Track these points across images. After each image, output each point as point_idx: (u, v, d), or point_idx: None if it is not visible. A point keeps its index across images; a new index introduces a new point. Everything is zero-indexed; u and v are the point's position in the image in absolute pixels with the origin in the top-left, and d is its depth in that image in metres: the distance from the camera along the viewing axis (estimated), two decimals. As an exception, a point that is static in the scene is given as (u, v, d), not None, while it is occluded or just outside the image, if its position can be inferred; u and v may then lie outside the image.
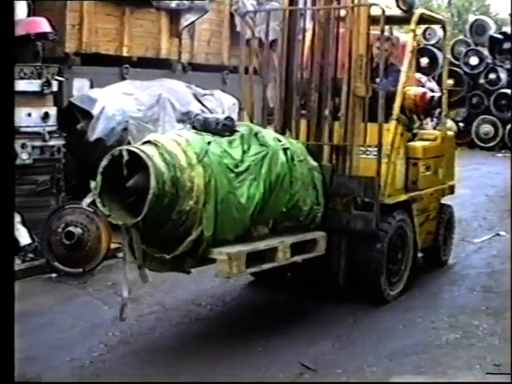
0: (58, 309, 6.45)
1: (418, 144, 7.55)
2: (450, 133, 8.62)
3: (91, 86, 10.13)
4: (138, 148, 5.28)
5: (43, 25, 9.38)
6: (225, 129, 5.82)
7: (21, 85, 8.32)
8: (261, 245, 5.81)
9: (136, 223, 5.23)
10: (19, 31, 9.05)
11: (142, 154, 5.20)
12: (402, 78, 7.10)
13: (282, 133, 6.76)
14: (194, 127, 5.90)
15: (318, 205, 6.46)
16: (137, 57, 11.03)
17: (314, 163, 6.46)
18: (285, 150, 6.11)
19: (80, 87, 10.04)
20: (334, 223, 6.60)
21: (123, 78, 10.59)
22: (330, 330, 6.08)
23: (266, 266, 5.93)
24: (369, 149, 6.82)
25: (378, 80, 6.82)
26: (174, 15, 11.60)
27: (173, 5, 11.27)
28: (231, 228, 5.62)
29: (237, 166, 5.68)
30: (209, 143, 5.57)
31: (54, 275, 7.43)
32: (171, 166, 5.29)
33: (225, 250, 5.51)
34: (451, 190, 8.23)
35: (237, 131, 5.91)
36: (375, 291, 6.75)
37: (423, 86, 20.71)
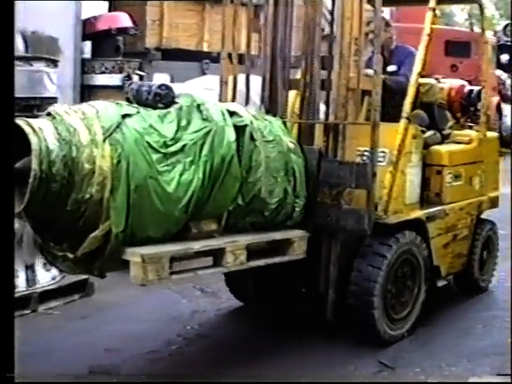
0: (137, 301, 6.31)
1: (442, 148, 6.16)
2: (491, 134, 7.00)
3: (171, 81, 9.76)
4: (24, 120, 4.22)
5: (124, 20, 9.67)
6: (157, 99, 4.66)
7: (102, 79, 8.63)
8: (196, 245, 4.61)
9: (21, 213, 4.18)
10: (101, 26, 9.49)
11: (26, 128, 4.15)
12: (417, 66, 5.68)
13: (268, 111, 5.55)
14: (127, 99, 4.78)
15: (296, 197, 5.20)
16: (217, 52, 10.69)
17: (291, 145, 5.19)
18: (240, 126, 4.88)
19: (160, 82, 9.66)
20: (321, 220, 5.32)
21: (203, 73, 10.40)
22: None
23: (205, 272, 4.73)
24: (365, 153, 5.50)
25: (391, 68, 5.85)
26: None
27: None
28: (155, 223, 4.48)
29: (166, 146, 4.52)
30: (125, 116, 4.42)
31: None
32: (65, 144, 4.21)
33: (140, 250, 4.37)
34: (493, 202, 6.76)
35: (175, 103, 4.74)
36: (367, 328, 5.45)
37: (503, 83, 18.95)
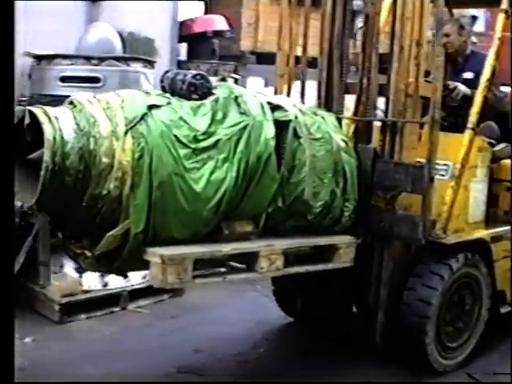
0: (226, 303, 6.32)
1: None
2: None
3: (265, 85, 9.76)
4: (41, 109, 3.97)
5: (220, 23, 9.77)
6: (191, 90, 4.32)
7: (198, 81, 8.19)
8: (225, 248, 4.26)
9: (33, 206, 3.94)
10: (197, 28, 9.62)
11: (41, 117, 3.90)
12: (486, 73, 5.12)
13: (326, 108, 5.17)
14: (162, 88, 4.47)
15: (346, 200, 4.78)
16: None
17: (342, 143, 4.76)
18: (282, 122, 4.49)
19: (254, 85, 9.87)
20: (374, 226, 4.88)
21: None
22: (495, 342, 5.49)
23: (235, 277, 4.38)
24: (436, 167, 4.94)
25: (466, 75, 5.47)
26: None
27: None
28: (180, 224, 4.16)
29: (197, 140, 4.18)
30: (152, 107, 4.11)
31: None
32: (82, 135, 3.93)
33: (160, 251, 4.06)
34: None
35: (212, 94, 4.39)
36: (417, 356, 4.97)
37: None
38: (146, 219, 4.03)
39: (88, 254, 4.14)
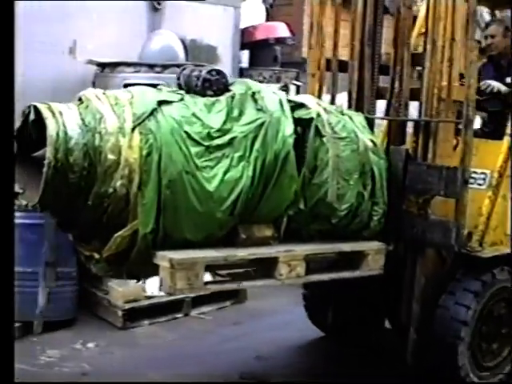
0: (288, 309, 6.18)
1: None
2: None
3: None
4: (45, 104, 3.81)
5: (282, 30, 9.55)
6: (206, 86, 4.12)
7: (260, 88, 8.30)
8: (241, 252, 4.02)
9: (37, 205, 3.78)
10: (259, 35, 9.48)
11: (45, 112, 3.74)
12: None
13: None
14: (178, 85, 4.28)
15: (375, 203, 4.50)
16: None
17: (370, 144, 4.49)
18: (304, 120, 4.26)
19: None
20: (406, 232, 4.59)
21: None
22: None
23: (252, 284, 4.14)
24: (473, 175, 4.68)
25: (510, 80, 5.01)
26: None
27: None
28: (193, 225, 3.95)
29: (210, 138, 3.97)
30: (162, 102, 3.92)
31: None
32: (87, 131, 3.76)
33: (169, 254, 3.84)
34: None
35: (228, 90, 4.18)
36: (451, 376, 4.63)
37: None
38: (154, 219, 3.82)
39: (97, 256, 3.94)
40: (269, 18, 10.57)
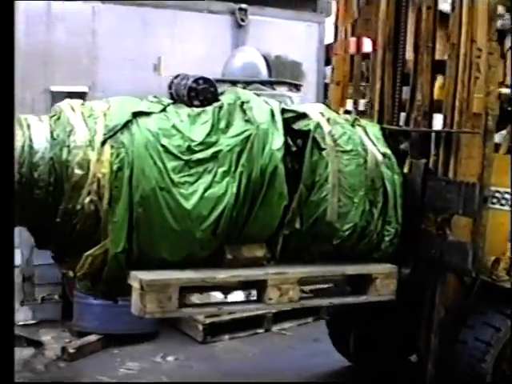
0: None
1: None
2: None
3: None
4: (17, 117, 3.67)
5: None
6: (192, 95, 3.87)
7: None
8: (221, 274, 3.74)
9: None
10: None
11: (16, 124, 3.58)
12: None
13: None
14: (170, 94, 4.06)
15: (387, 223, 4.13)
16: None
17: (380, 157, 4.12)
18: (302, 132, 3.94)
19: None
20: (425, 255, 4.18)
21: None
22: None
23: (235, 308, 3.85)
24: (497, 194, 4.27)
25: None
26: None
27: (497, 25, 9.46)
28: (170, 245, 3.71)
29: (191, 152, 3.73)
30: (138, 114, 3.70)
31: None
32: (56, 144, 3.59)
33: (141, 275, 3.61)
34: None
35: (218, 100, 3.92)
36: None
37: None
38: (126, 238, 3.59)
39: (71, 274, 3.75)
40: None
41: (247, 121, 3.83)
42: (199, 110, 3.84)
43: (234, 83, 6.63)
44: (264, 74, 7.62)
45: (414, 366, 4.56)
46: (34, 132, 3.58)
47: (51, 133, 3.61)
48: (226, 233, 3.77)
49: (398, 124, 4.46)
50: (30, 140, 3.55)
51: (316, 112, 4.10)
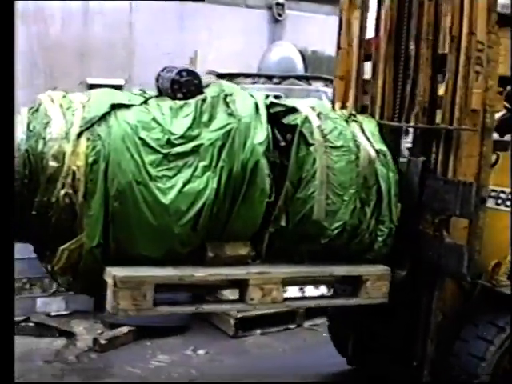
0: None
1: None
2: None
3: None
4: None
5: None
6: (175, 88, 3.78)
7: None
8: (200, 272, 3.63)
9: None
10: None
11: None
12: None
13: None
14: (157, 87, 3.98)
15: (380, 222, 3.97)
16: None
17: (373, 154, 3.96)
18: (290, 126, 3.81)
19: None
20: (422, 257, 4.02)
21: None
22: None
23: (213, 307, 3.73)
24: (502, 195, 4.12)
25: None
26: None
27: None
28: (147, 240, 3.61)
29: (171, 145, 3.63)
30: (116, 106, 3.62)
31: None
32: (32, 136, 3.53)
33: (115, 271, 3.53)
34: None
35: (202, 93, 3.82)
36: None
37: None
38: (102, 233, 3.51)
39: (50, 268, 3.69)
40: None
41: (230, 114, 3.71)
42: (182, 102, 3.74)
43: (269, 77, 6.59)
44: (300, 68, 7.64)
45: (413, 371, 4.36)
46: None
47: (28, 124, 3.55)
48: (207, 229, 3.66)
49: (400, 120, 4.26)
50: None
51: (306, 106, 3.95)
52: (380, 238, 3.98)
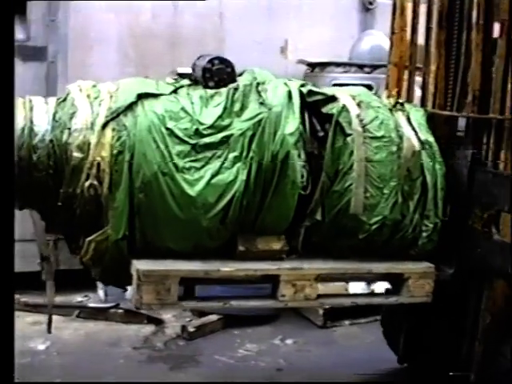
0: None
1: None
2: None
3: None
4: (24, 98, 3.61)
5: (496, 30, 9.27)
6: (207, 77, 3.67)
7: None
8: (226, 267, 3.52)
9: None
10: None
11: (18, 106, 3.54)
12: None
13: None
14: (193, 76, 3.88)
15: (425, 217, 3.77)
16: None
17: (417, 145, 3.75)
18: (326, 115, 3.65)
19: None
20: (470, 254, 3.78)
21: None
22: None
23: (243, 303, 3.62)
24: None
25: None
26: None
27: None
28: (174, 233, 3.53)
29: (200, 135, 3.53)
30: (144, 95, 3.54)
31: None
32: (58, 127, 3.49)
33: (139, 264, 3.46)
34: None
35: (234, 81, 3.70)
36: None
37: None
38: (127, 225, 3.44)
39: (80, 260, 3.65)
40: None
41: (261, 103, 3.58)
42: (213, 91, 3.63)
43: (360, 67, 6.47)
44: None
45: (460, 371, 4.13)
46: (35, 114, 3.50)
47: (54, 115, 3.50)
48: (237, 222, 3.55)
49: (452, 109, 4.02)
50: (31, 122, 3.47)
51: (346, 95, 3.77)
52: (424, 234, 3.77)
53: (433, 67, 4.12)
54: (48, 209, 3.57)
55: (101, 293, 5.71)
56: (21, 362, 4.27)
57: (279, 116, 3.53)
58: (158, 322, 5.45)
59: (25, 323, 5.23)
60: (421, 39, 4.29)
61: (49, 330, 3.97)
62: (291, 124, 3.53)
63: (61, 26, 5.92)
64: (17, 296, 4.98)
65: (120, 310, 5.52)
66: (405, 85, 4.34)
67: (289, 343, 5.31)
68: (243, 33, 6.58)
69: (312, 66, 6.60)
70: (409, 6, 4.32)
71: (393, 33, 4.42)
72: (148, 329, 5.41)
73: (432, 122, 3.96)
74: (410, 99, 4.27)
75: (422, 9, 4.28)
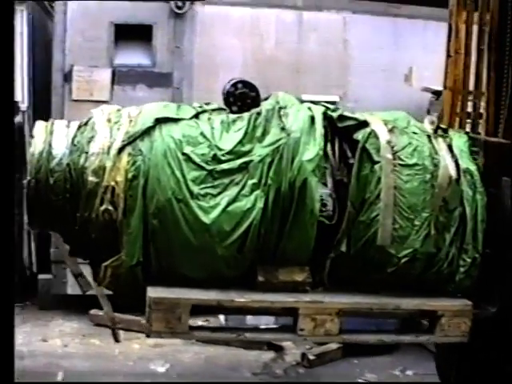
0: None
1: None
2: None
3: None
4: (45, 121, 3.65)
5: None
6: (230, 101, 3.58)
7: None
8: (240, 298, 3.39)
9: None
10: None
11: (37, 130, 3.58)
12: None
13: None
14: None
15: (463, 251, 3.51)
16: None
17: (453, 173, 3.51)
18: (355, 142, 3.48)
19: None
20: (506, 292, 3.50)
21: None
22: None
23: (250, 337, 3.47)
24: None
25: None
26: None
27: None
28: (189, 260, 3.42)
29: (217, 161, 3.42)
30: (162, 120, 3.48)
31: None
32: (76, 151, 3.49)
33: (152, 291, 3.38)
34: None
35: (258, 106, 3.59)
36: None
37: None
38: (141, 251, 3.37)
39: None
40: None
41: (282, 128, 3.43)
42: (235, 116, 3.52)
43: None
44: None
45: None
46: (55, 138, 3.50)
47: (73, 139, 3.49)
48: (256, 251, 3.40)
49: (505, 136, 3.74)
50: (50, 145, 3.47)
51: (378, 120, 3.57)
52: (462, 269, 3.50)
53: (483, 91, 3.85)
54: (67, 232, 3.54)
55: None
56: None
57: (298, 142, 3.38)
58: (278, 349, 5.41)
59: (146, 345, 5.26)
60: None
61: (116, 339, 3.93)
62: (311, 150, 3.37)
63: (186, 52, 6.04)
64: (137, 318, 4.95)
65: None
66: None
67: (409, 374, 5.17)
68: (367, 60, 6.49)
69: (437, 93, 6.39)
70: (463, 28, 4.05)
71: (448, 56, 4.17)
72: (268, 355, 5.37)
73: (481, 148, 3.68)
74: (462, 125, 4.01)
75: (475, 29, 3.99)
